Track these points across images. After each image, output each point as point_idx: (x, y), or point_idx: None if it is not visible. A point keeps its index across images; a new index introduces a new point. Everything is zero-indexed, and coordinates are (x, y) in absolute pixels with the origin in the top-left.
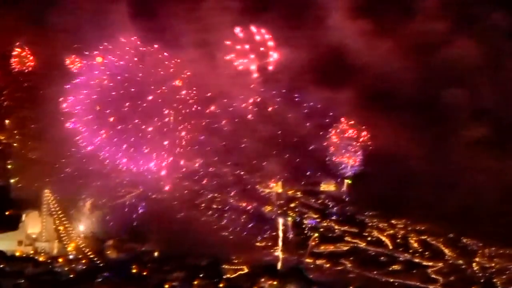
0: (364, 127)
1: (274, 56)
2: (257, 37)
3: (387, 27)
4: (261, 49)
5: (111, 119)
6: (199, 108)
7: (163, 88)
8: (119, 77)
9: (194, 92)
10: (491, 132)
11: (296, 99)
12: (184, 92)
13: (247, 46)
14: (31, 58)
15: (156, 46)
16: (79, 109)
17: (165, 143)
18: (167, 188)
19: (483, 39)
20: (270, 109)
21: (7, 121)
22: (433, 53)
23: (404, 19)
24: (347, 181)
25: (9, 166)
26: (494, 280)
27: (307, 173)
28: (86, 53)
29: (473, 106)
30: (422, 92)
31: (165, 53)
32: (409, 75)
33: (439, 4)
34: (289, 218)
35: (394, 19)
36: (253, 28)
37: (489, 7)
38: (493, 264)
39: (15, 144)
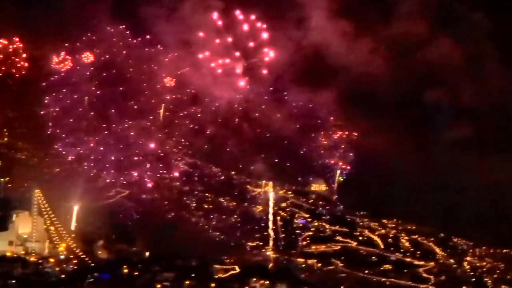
0: (351, 128)
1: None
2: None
3: (369, 28)
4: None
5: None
6: (186, 109)
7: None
8: (105, 74)
9: (182, 92)
10: (472, 132)
11: (283, 100)
12: (169, 95)
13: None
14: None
15: (147, 36)
16: (64, 111)
17: (152, 145)
18: (149, 185)
19: (463, 40)
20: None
21: None
22: (415, 54)
23: (385, 21)
24: (338, 180)
25: None
26: (485, 279)
27: (297, 174)
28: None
29: (454, 106)
30: (405, 93)
31: (152, 49)
32: (391, 76)
33: (419, 6)
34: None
35: (376, 21)
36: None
37: (468, 8)
38: (484, 264)
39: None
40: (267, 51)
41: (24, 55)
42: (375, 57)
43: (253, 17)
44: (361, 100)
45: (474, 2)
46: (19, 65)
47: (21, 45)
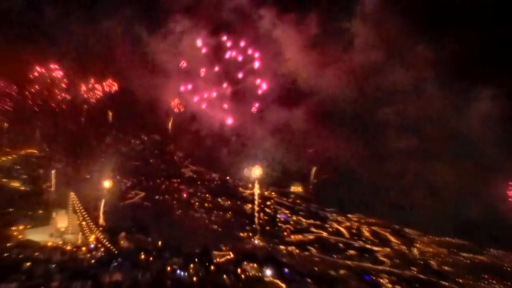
0: (321, 140)
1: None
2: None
3: (332, 59)
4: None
5: None
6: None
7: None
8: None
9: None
10: (415, 142)
11: (264, 118)
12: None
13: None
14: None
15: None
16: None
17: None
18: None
19: (408, 68)
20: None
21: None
22: (369, 79)
23: (346, 52)
24: (312, 183)
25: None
26: (430, 262)
27: (279, 178)
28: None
29: (401, 121)
30: (362, 111)
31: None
32: (351, 97)
33: (373, 40)
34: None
35: (338, 53)
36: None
37: (413, 42)
38: (429, 249)
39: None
40: (259, 82)
41: (62, 82)
42: (338, 82)
43: (242, 43)
44: (327, 117)
45: (417, 37)
46: (57, 91)
47: (60, 73)
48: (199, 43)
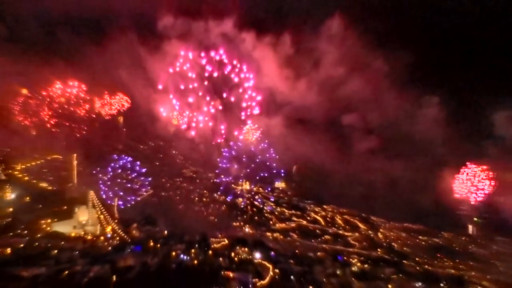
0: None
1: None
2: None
3: (304, 73)
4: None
5: None
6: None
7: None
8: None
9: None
10: (377, 142)
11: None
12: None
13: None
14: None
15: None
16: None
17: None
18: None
19: (369, 79)
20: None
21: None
22: (336, 90)
23: (315, 67)
24: (294, 180)
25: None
26: (393, 245)
27: (265, 176)
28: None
29: (364, 125)
30: (331, 117)
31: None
32: (321, 105)
33: (338, 57)
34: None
35: (309, 68)
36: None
37: (372, 57)
38: (392, 234)
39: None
40: (243, 95)
41: (79, 97)
42: (309, 93)
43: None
44: (301, 123)
45: (375, 54)
46: (76, 105)
47: (84, 88)
48: (187, 65)
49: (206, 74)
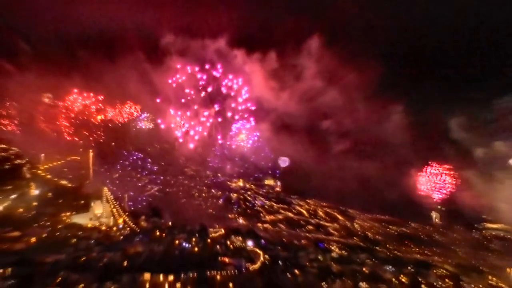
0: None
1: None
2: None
3: (287, 85)
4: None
5: None
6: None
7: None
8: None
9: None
10: (351, 145)
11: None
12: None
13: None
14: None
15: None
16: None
17: None
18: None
19: (343, 90)
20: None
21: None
22: (315, 99)
23: (297, 80)
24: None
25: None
26: (367, 233)
27: (256, 174)
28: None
29: (339, 129)
30: (310, 123)
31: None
32: (301, 113)
33: (316, 71)
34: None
35: (291, 80)
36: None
37: (346, 70)
38: (366, 224)
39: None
40: (235, 104)
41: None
42: (292, 102)
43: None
44: (285, 128)
45: (348, 67)
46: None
47: (100, 98)
48: (183, 78)
49: (204, 87)
